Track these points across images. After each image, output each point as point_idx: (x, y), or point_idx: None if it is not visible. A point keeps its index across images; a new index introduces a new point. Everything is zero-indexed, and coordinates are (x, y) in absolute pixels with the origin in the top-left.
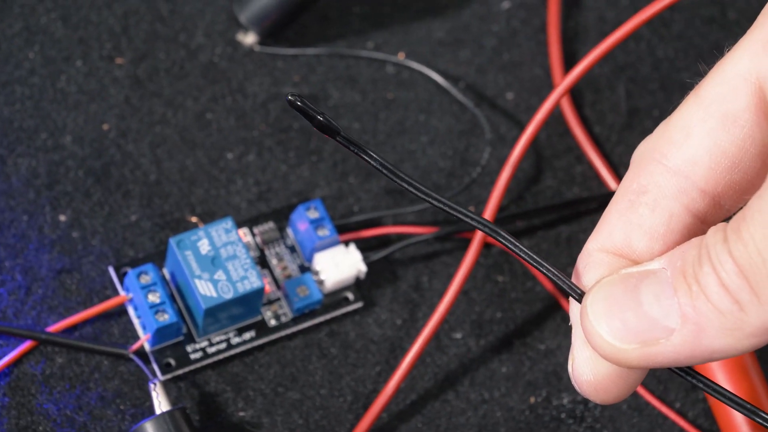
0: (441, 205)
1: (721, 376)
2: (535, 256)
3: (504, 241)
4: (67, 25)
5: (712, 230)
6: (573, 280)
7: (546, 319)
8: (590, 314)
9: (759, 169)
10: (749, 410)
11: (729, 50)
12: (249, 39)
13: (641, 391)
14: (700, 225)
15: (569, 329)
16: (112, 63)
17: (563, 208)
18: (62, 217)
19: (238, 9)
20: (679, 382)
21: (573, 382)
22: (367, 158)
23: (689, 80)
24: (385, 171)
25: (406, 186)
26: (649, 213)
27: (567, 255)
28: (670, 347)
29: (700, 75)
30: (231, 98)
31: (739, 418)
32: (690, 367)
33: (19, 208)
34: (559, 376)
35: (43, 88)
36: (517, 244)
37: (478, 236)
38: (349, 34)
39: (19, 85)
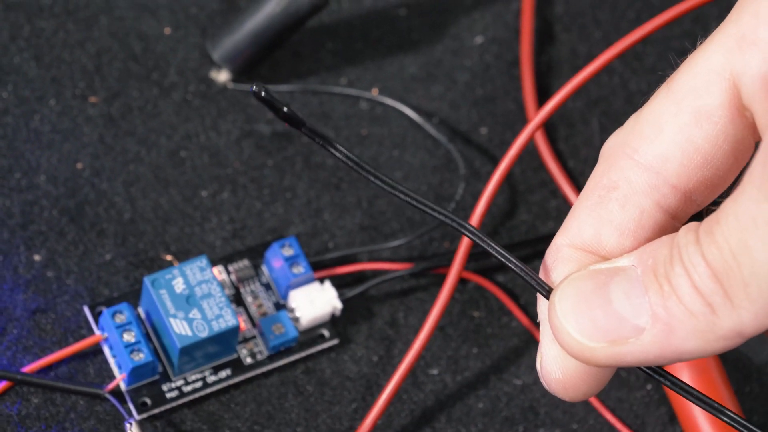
0: (408, 198)
1: (685, 374)
2: (503, 251)
3: (471, 236)
4: (40, 65)
5: (683, 230)
6: (541, 275)
7: (522, 355)
8: (558, 311)
9: (731, 165)
10: (716, 409)
11: (701, 43)
12: (222, 76)
13: (618, 425)
14: (670, 221)
15: None
16: (86, 102)
17: (538, 243)
18: (36, 257)
19: (211, 47)
20: (657, 416)
21: (541, 380)
22: (333, 150)
23: (660, 72)
24: (350, 163)
25: (372, 179)
26: (619, 209)
27: None
28: (640, 347)
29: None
30: (204, 136)
31: (702, 419)
32: (658, 366)
33: None
34: (536, 411)
35: (17, 127)
36: (485, 238)
37: (454, 272)
38: (322, 71)
39: None
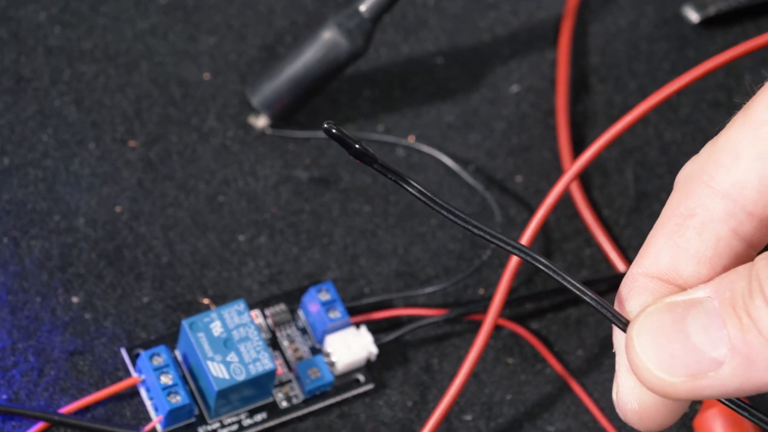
0: (481, 233)
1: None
2: (579, 284)
3: (544, 267)
4: (80, 109)
5: (762, 260)
6: (616, 306)
7: (555, 402)
8: (637, 346)
9: None
10: None
11: None
12: (261, 122)
13: None
14: (746, 249)
15: (578, 412)
16: (125, 146)
17: (572, 291)
18: (75, 299)
19: (251, 93)
20: None
21: (617, 410)
22: (406, 186)
23: (737, 100)
24: (424, 199)
25: (445, 213)
26: (696, 236)
27: (576, 337)
28: (719, 380)
29: None
30: (243, 181)
31: None
32: (737, 398)
33: (32, 290)
34: None
35: (56, 170)
36: (560, 271)
37: (489, 318)
38: (360, 118)
39: (32, 168)
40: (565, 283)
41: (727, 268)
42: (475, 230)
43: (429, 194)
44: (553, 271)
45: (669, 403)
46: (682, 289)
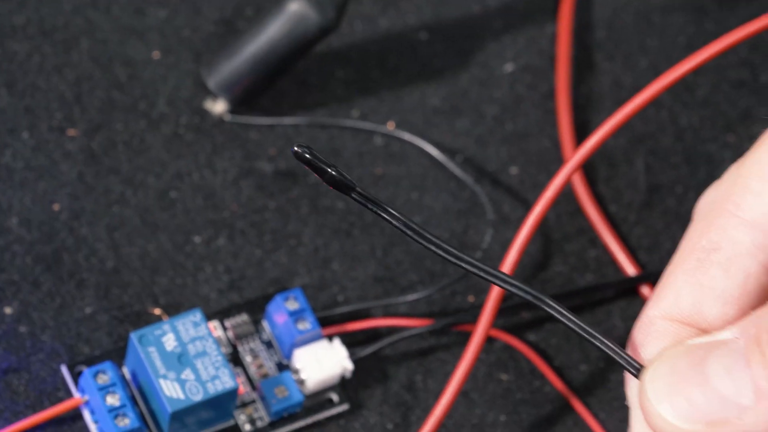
0: (479, 272)
1: None
2: (585, 326)
3: (550, 310)
4: (12, 93)
5: None
6: (629, 352)
7: (555, 423)
8: (650, 392)
9: None
10: None
11: None
12: (219, 107)
13: None
14: None
15: (586, 431)
16: (64, 135)
17: (575, 297)
18: (8, 310)
19: (206, 74)
20: None
21: None
22: (387, 217)
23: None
24: (409, 232)
25: (434, 249)
26: (722, 274)
27: (579, 350)
28: (742, 426)
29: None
30: (198, 174)
31: None
32: None
33: None
34: None
35: None
36: (566, 312)
37: (480, 329)
38: (332, 102)
39: None
40: (572, 326)
41: (757, 308)
42: (470, 268)
43: (415, 227)
44: (559, 313)
45: None
46: (706, 332)
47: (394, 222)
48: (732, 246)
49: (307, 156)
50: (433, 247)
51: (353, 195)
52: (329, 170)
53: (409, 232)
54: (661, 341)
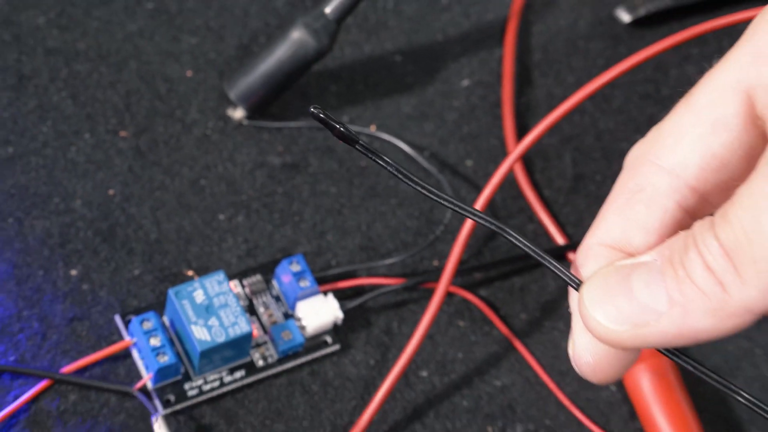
0: (452, 205)
1: (645, 377)
2: (539, 251)
3: (511, 238)
4: (76, 103)
5: (698, 223)
6: (572, 271)
7: (501, 359)
8: (587, 301)
9: (744, 169)
10: (732, 390)
11: (717, 61)
12: (238, 114)
13: (586, 422)
14: (689, 220)
15: (522, 368)
16: (117, 136)
17: (516, 261)
18: (73, 272)
19: (228, 87)
20: (619, 414)
21: (574, 365)
22: (383, 164)
23: (665, 92)
24: (400, 175)
25: (419, 188)
26: (645, 210)
27: (520, 303)
28: (659, 329)
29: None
30: (222, 167)
31: (660, 416)
32: (680, 350)
33: (35, 265)
34: (513, 409)
35: (55, 158)
36: (522, 239)
37: (442, 286)
38: (327, 110)
39: (33, 156)
40: (529, 251)
41: (670, 237)
42: (446, 203)
43: (405, 171)
44: (518, 240)
45: (618, 356)
46: (632, 255)
47: (389, 168)
48: (652, 188)
49: (321, 115)
50: (418, 188)
51: (357, 146)
52: (338, 126)
53: (399, 175)
54: (597, 262)
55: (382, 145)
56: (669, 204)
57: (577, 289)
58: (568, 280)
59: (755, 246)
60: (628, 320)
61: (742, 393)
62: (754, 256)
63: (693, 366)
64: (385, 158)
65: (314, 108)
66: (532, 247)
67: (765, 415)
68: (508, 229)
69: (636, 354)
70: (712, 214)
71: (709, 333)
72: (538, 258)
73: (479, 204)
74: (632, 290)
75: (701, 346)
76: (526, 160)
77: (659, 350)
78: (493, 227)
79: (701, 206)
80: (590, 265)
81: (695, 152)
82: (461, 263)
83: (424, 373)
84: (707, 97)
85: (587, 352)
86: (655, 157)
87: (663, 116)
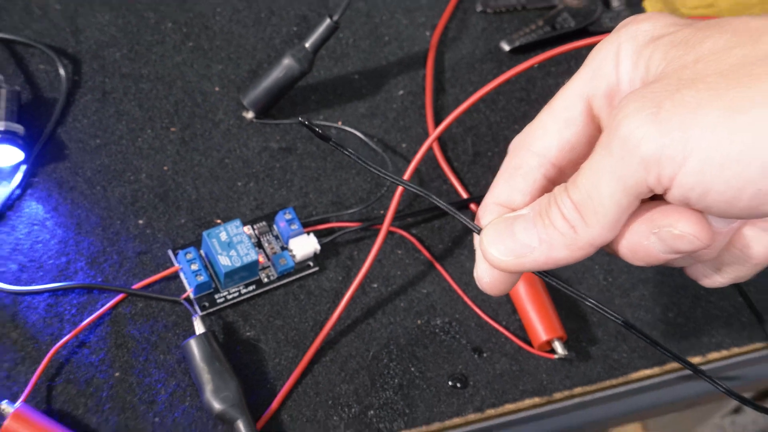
0: (390, 178)
1: (522, 287)
2: (450, 207)
3: (432, 199)
4: (142, 109)
5: (557, 187)
6: (475, 221)
7: (426, 275)
8: (485, 242)
9: (587, 150)
10: (581, 296)
11: (569, 80)
12: (249, 115)
13: (481, 314)
14: (551, 186)
15: (440, 281)
16: (169, 131)
17: (435, 209)
18: (140, 222)
19: (243, 98)
20: (505, 310)
21: (477, 283)
22: (347, 153)
23: (534, 97)
24: (359, 161)
25: (369, 167)
26: (522, 180)
27: (438, 238)
28: (532, 258)
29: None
30: (239, 150)
31: (533, 313)
32: (547, 271)
33: (114, 217)
34: (434, 307)
35: (128, 146)
36: (441, 202)
37: (385, 227)
38: (308, 111)
39: (113, 145)
40: (441, 205)
41: (539, 198)
42: (391, 179)
43: (359, 157)
44: (431, 197)
45: (506, 277)
46: (514, 210)
47: (353, 156)
48: (527, 166)
49: (306, 123)
50: (369, 167)
51: (330, 143)
52: (317, 130)
53: (359, 161)
54: (491, 215)
55: (346, 134)
56: (538, 176)
57: (478, 234)
58: (472, 227)
59: (594, 201)
60: (512, 253)
61: (586, 297)
62: (594, 207)
63: (554, 281)
64: (348, 150)
65: (301, 118)
66: (447, 206)
67: (599, 309)
68: (430, 194)
69: (518, 276)
70: (566, 182)
71: (566, 260)
72: (452, 213)
73: (408, 172)
74: (515, 233)
75: (560, 268)
76: (441, 142)
77: (533, 272)
78: (419, 192)
79: (559, 177)
80: (487, 217)
81: (555, 141)
82: (398, 212)
83: (375, 285)
84: (562, 103)
85: (486, 274)
86: (529, 144)
87: (533, 114)
